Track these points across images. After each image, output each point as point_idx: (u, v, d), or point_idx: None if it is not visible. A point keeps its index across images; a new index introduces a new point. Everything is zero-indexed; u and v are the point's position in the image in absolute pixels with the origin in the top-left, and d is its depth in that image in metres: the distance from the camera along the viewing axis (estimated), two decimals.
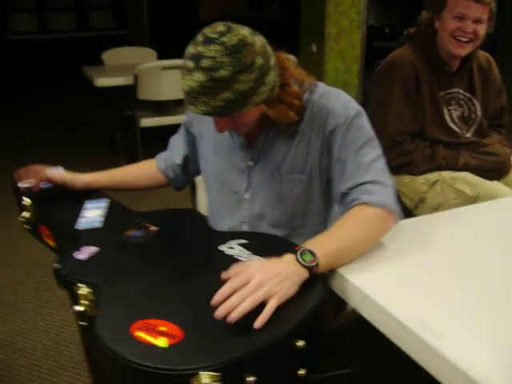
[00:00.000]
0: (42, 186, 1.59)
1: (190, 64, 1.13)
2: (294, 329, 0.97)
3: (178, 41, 6.97)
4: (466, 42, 1.88)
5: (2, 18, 8.02)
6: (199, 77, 1.11)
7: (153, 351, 0.92)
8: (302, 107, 1.30)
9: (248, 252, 1.21)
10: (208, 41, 1.11)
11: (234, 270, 1.04)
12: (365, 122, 1.30)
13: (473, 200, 1.77)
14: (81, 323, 1.16)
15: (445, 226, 1.34)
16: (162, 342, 0.94)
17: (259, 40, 1.17)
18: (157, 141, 4.12)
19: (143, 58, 4.47)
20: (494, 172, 1.96)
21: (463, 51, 1.91)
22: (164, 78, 3.78)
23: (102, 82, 3.77)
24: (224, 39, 1.11)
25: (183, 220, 1.45)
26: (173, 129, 1.64)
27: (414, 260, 1.18)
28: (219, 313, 0.95)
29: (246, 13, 8.03)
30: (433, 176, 1.92)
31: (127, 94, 3.90)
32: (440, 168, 1.93)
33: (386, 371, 1.32)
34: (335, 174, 1.30)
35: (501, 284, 1.10)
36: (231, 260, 1.17)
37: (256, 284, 0.99)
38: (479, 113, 2.03)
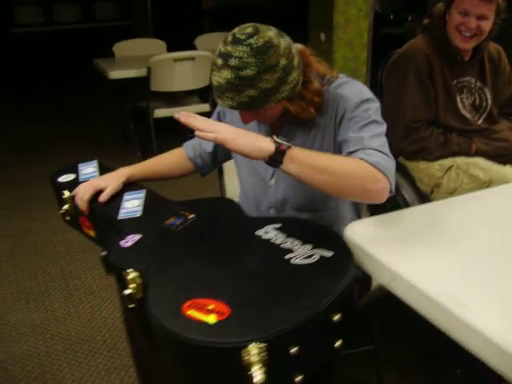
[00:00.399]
0: (81, 179, 1.68)
1: (220, 61, 1.22)
2: (331, 303, 1.06)
3: (182, 30, 6.99)
4: (470, 37, 1.96)
5: (6, 11, 8.05)
6: (227, 74, 1.21)
7: (205, 327, 1.01)
8: (322, 103, 1.37)
9: (284, 235, 1.29)
10: (236, 41, 1.21)
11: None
12: (373, 107, 1.34)
13: (486, 184, 1.86)
14: (130, 305, 1.27)
15: (464, 210, 1.43)
16: (212, 319, 1.02)
17: (284, 41, 1.24)
18: (168, 131, 4.24)
19: (153, 50, 4.54)
20: (505, 157, 2.04)
21: (467, 45, 1.99)
22: (176, 70, 3.86)
23: (116, 74, 3.84)
24: (251, 41, 1.20)
25: (219, 207, 1.55)
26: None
27: (438, 240, 1.27)
28: (176, 114, 1.24)
29: (249, 0, 8.05)
30: (447, 162, 2.01)
31: (139, 85, 3.98)
32: (454, 154, 2.02)
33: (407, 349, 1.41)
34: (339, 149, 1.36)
35: None
36: (268, 244, 1.27)
37: (219, 125, 1.22)
38: (490, 101, 2.11)
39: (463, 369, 1.29)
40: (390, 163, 1.24)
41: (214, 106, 4.12)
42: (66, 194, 1.62)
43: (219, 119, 1.65)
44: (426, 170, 2.02)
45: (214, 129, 1.19)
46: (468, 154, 2.01)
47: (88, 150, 4.47)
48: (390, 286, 1.18)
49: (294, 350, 1.01)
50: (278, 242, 1.28)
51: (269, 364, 0.97)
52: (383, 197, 1.22)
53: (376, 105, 1.37)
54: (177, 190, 1.57)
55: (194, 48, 4.78)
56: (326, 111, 1.39)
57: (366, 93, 1.38)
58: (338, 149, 1.38)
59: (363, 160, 1.21)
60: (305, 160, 1.19)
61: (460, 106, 2.06)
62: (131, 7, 7.93)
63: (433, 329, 1.07)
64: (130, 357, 2.06)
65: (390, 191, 1.22)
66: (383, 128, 1.33)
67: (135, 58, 4.39)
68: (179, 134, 4.66)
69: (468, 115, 2.08)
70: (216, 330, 1.00)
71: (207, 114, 3.88)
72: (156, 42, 4.69)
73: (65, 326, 2.27)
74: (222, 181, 1.86)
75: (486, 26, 1.94)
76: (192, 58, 3.88)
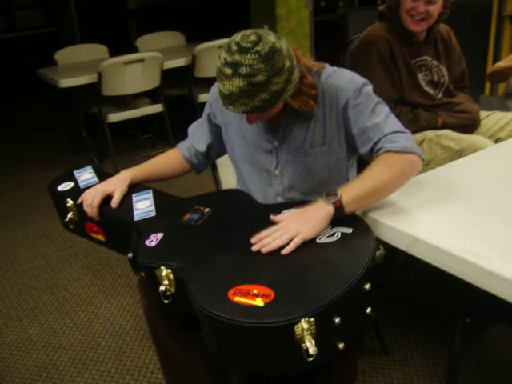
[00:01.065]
0: (82, 186, 1.71)
1: (229, 71, 1.29)
2: (363, 274, 1.16)
3: (110, 32, 6.86)
4: (420, 20, 2.12)
5: None
6: (239, 82, 1.28)
7: (256, 310, 1.08)
8: (318, 94, 1.48)
9: None
10: (244, 50, 1.28)
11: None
12: (371, 89, 1.49)
13: (459, 153, 2.03)
14: (165, 301, 1.32)
15: (454, 176, 1.59)
16: (260, 302, 1.09)
17: (284, 44, 1.33)
18: (120, 135, 4.23)
19: (96, 55, 4.52)
20: (468, 127, 2.23)
21: (419, 27, 2.15)
22: (127, 73, 3.85)
23: (67, 82, 3.79)
24: (258, 48, 1.27)
25: (231, 199, 1.62)
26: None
27: (443, 204, 1.41)
28: (254, 247, 1.27)
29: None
30: (418, 136, 2.16)
31: (89, 91, 3.94)
32: (422, 129, 2.18)
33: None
34: (359, 141, 1.48)
35: None
36: None
37: (283, 227, 1.29)
38: (446, 77, 2.29)
39: (473, 318, 1.44)
40: (409, 138, 1.41)
41: (167, 106, 4.15)
42: (70, 202, 1.65)
43: (210, 120, 1.72)
44: None
45: (288, 237, 1.27)
46: (435, 127, 2.18)
47: (40, 163, 4.41)
48: (409, 249, 1.30)
49: (337, 320, 1.10)
50: None
51: (317, 336, 1.06)
52: (420, 167, 1.41)
53: (371, 86, 1.50)
54: (165, 187, 1.63)
55: (136, 49, 4.76)
56: (322, 102, 1.49)
57: (358, 78, 1.50)
58: (351, 138, 1.50)
59: (392, 152, 1.37)
60: (358, 196, 1.33)
61: (422, 83, 2.22)
62: (55, 13, 7.72)
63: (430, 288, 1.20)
64: (139, 357, 2.11)
65: (422, 159, 1.40)
66: (386, 106, 1.48)
67: (80, 64, 4.35)
68: (131, 136, 4.69)
69: (430, 90, 2.24)
70: (267, 311, 1.07)
71: (161, 114, 3.91)
72: (98, 47, 4.64)
73: (65, 337, 2.27)
74: (216, 175, 1.93)
75: (435, 9, 2.10)
76: (141, 60, 3.88)
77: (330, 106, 1.49)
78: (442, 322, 2.09)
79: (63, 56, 4.45)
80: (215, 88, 1.67)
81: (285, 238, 1.27)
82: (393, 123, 1.44)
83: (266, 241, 1.28)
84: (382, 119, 1.43)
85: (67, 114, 4.66)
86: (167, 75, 4.14)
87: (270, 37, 1.31)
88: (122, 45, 5.51)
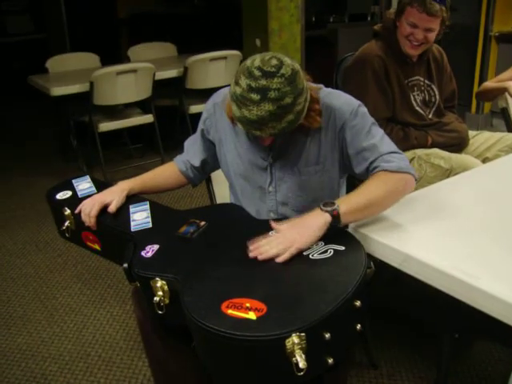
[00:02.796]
0: (80, 195, 1.72)
1: (256, 97, 1.31)
2: (354, 291, 1.18)
3: (100, 41, 6.87)
4: (418, 45, 2.18)
5: None
6: (268, 107, 1.31)
7: (249, 323, 1.10)
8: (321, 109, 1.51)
9: None
10: (269, 75, 1.30)
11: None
12: (366, 110, 1.54)
13: (448, 172, 2.08)
14: (159, 312, 1.34)
15: (444, 194, 1.63)
16: (253, 315, 1.12)
17: (297, 65, 1.38)
18: (110, 144, 4.24)
19: (88, 63, 4.53)
20: (456, 146, 2.29)
21: (415, 52, 2.22)
22: (119, 83, 3.87)
23: (59, 91, 3.80)
24: (283, 71, 1.31)
25: (226, 213, 1.64)
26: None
27: (434, 222, 1.46)
28: (251, 254, 1.32)
29: (160, 7, 7.92)
30: (409, 154, 2.21)
31: (79, 100, 3.95)
32: (413, 147, 2.23)
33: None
34: (355, 161, 1.52)
35: (506, 229, 1.42)
36: None
37: (280, 236, 1.33)
38: (438, 96, 2.34)
39: (461, 333, 1.48)
40: (404, 158, 1.47)
41: (158, 117, 4.17)
42: (68, 210, 1.66)
43: (203, 137, 1.74)
44: None
45: (284, 246, 1.31)
46: (425, 146, 2.23)
47: (29, 170, 4.40)
48: (402, 267, 1.34)
49: (327, 336, 1.12)
50: None
51: (308, 351, 1.08)
52: (413, 186, 1.48)
53: (365, 108, 1.55)
54: (155, 196, 1.66)
55: (127, 59, 4.78)
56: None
57: (354, 99, 1.55)
58: (346, 158, 1.54)
59: (387, 171, 1.43)
60: (354, 209, 1.38)
61: (414, 103, 2.28)
62: (46, 20, 7.71)
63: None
64: (129, 368, 2.12)
65: (416, 179, 1.47)
66: (380, 127, 1.53)
67: (71, 72, 4.36)
68: (121, 146, 4.69)
69: (421, 111, 2.30)
70: (259, 324, 1.09)
71: (151, 125, 3.93)
72: (89, 56, 4.65)
73: (54, 346, 2.27)
74: (210, 189, 1.95)
75: (432, 36, 2.17)
76: (134, 71, 3.90)
77: (326, 126, 1.53)
78: (429, 337, 2.12)
79: (55, 64, 4.45)
80: (209, 105, 1.69)
81: (281, 248, 1.30)
82: (388, 144, 1.50)
83: (263, 248, 1.32)
84: (378, 140, 1.49)
85: (57, 121, 4.65)
86: (158, 86, 4.17)
87: (287, 59, 1.36)
88: (112, 54, 5.54)
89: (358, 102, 1.54)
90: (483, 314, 1.17)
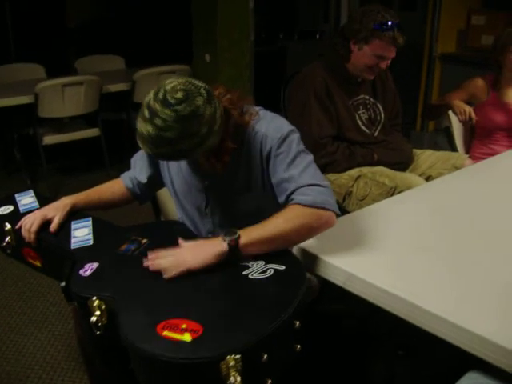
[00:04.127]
0: (22, 210, 1.66)
1: (146, 114, 1.30)
2: (293, 311, 1.18)
3: (49, 52, 6.69)
4: (378, 72, 2.24)
5: None
6: (149, 129, 1.29)
7: (183, 345, 1.08)
8: (229, 161, 1.47)
9: None
10: (165, 103, 1.28)
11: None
12: (295, 138, 1.47)
13: (393, 190, 2.11)
14: (97, 332, 1.29)
15: (388, 213, 1.66)
16: (187, 337, 1.10)
17: (210, 109, 1.32)
18: (55, 157, 4.13)
19: (33, 74, 4.43)
20: (401, 164, 2.34)
21: (373, 77, 2.28)
22: (65, 95, 3.79)
23: (2, 102, 3.69)
24: (179, 108, 1.27)
25: (169, 231, 1.62)
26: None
27: (378, 240, 1.48)
28: (145, 263, 1.36)
29: (109, 13, 7.77)
30: (354, 172, 2.25)
31: (23, 112, 3.85)
32: (359, 165, 2.27)
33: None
34: (277, 191, 1.48)
35: (448, 248, 1.46)
36: (224, 262, 1.33)
37: (176, 254, 1.35)
38: (383, 114, 2.40)
39: (405, 351, 1.50)
40: (325, 193, 1.40)
41: (104, 130, 4.11)
42: (8, 226, 1.60)
43: (149, 154, 1.69)
44: (336, 181, 2.24)
45: (175, 263, 1.32)
46: (371, 163, 2.27)
47: None
48: (345, 285, 1.35)
49: (264, 357, 1.11)
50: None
51: (244, 372, 1.07)
52: (332, 223, 1.40)
53: (297, 135, 1.49)
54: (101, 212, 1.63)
55: (74, 71, 4.70)
56: (249, 147, 1.49)
57: (286, 126, 1.49)
58: (270, 187, 1.50)
59: (300, 205, 1.37)
60: (256, 240, 1.35)
61: (359, 122, 2.32)
62: None
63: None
64: None
65: (337, 215, 1.40)
66: (310, 156, 1.47)
67: (15, 83, 4.24)
68: (66, 159, 4.57)
69: (366, 130, 2.34)
70: (194, 346, 1.08)
71: (97, 138, 3.85)
72: (33, 67, 4.54)
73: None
74: (156, 206, 1.93)
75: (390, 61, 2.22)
76: (81, 83, 3.83)
77: (255, 153, 1.49)
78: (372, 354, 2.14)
79: None
80: None
81: (171, 265, 1.32)
82: (309, 176, 1.42)
83: (156, 261, 1.34)
84: (299, 171, 1.42)
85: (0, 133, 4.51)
86: (105, 99, 4.10)
87: (199, 99, 1.30)
88: (59, 65, 5.41)
89: (290, 128, 1.48)
90: (426, 332, 1.19)
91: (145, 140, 1.32)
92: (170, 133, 1.28)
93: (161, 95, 1.29)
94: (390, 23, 2.09)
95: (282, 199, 1.46)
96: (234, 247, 1.32)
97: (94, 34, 7.31)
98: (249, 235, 1.34)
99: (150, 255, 1.35)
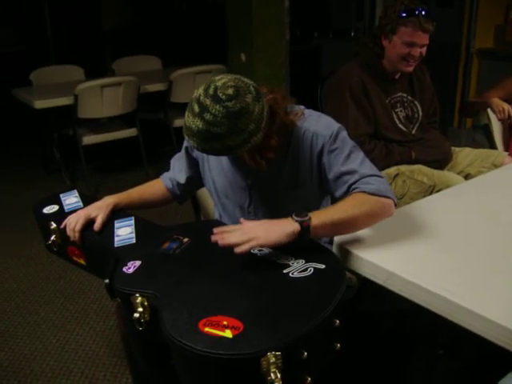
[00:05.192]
0: (66, 209, 1.71)
1: (196, 109, 1.32)
2: (333, 310, 1.18)
3: (82, 53, 6.82)
4: (413, 62, 2.21)
5: None
6: (199, 124, 1.31)
7: (225, 341, 1.10)
8: (273, 159, 1.48)
9: (277, 252, 1.38)
10: (216, 99, 1.30)
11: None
12: (346, 134, 1.52)
13: (431, 188, 2.10)
14: (139, 328, 1.32)
15: (428, 211, 1.65)
16: (228, 334, 1.11)
17: (259, 107, 1.34)
18: (93, 157, 4.22)
19: (72, 76, 4.52)
20: (439, 162, 2.32)
21: (411, 69, 2.24)
22: (104, 96, 3.87)
23: (42, 103, 3.78)
24: (229, 104, 1.29)
25: (210, 230, 1.64)
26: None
27: (418, 239, 1.47)
28: (213, 237, 1.35)
29: (143, 18, 7.86)
30: (392, 170, 2.24)
31: (63, 113, 3.94)
32: (396, 163, 2.26)
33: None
34: (335, 185, 1.50)
35: (488, 247, 1.44)
36: (265, 260, 1.37)
37: (245, 228, 1.35)
38: (420, 112, 2.38)
39: (445, 350, 1.49)
40: (385, 182, 1.45)
41: (142, 130, 4.17)
42: (53, 225, 1.65)
43: (188, 154, 1.73)
44: None
45: (246, 237, 1.31)
46: (409, 161, 2.26)
47: (11, 183, 4.35)
48: (386, 284, 1.35)
49: (304, 355, 1.12)
50: (273, 258, 1.37)
51: (284, 369, 1.08)
52: (392, 212, 1.45)
53: (346, 132, 1.53)
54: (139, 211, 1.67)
55: (112, 72, 4.78)
56: (297, 145, 1.51)
57: (334, 123, 1.53)
58: (326, 182, 1.52)
59: (365, 193, 1.41)
60: (326, 223, 1.36)
61: (397, 120, 2.30)
62: (28, 32, 7.65)
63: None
64: None
65: (395, 204, 1.43)
66: (361, 151, 1.51)
67: (56, 85, 4.34)
68: (105, 159, 4.67)
69: (404, 128, 2.32)
70: (235, 342, 1.09)
71: (135, 138, 3.92)
72: (73, 68, 4.64)
73: (36, 362, 2.24)
74: (196, 205, 1.95)
75: (425, 50, 2.20)
76: (119, 84, 3.90)
77: (304, 150, 1.51)
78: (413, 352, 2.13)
79: (39, 76, 4.44)
80: None
81: (242, 239, 1.31)
82: (368, 167, 1.48)
83: (225, 235, 1.33)
84: (358, 164, 1.47)
85: (40, 134, 4.62)
86: (142, 99, 4.17)
87: (249, 97, 1.32)
88: (96, 66, 5.52)
89: (338, 126, 1.52)
90: (467, 331, 1.18)
91: (193, 134, 1.34)
92: (219, 128, 1.30)
93: (211, 91, 1.31)
94: (413, 9, 2.11)
95: (341, 191, 1.49)
96: (305, 228, 1.33)
97: (129, 36, 7.42)
98: (319, 218, 1.36)
99: (217, 231, 1.36)
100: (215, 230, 1.36)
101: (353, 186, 1.45)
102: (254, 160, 1.46)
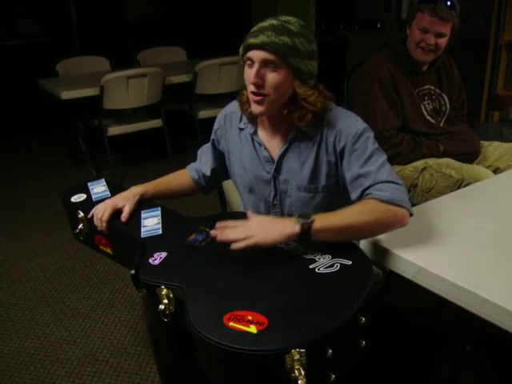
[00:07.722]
0: (94, 198, 1.73)
1: (269, 18, 1.42)
2: (359, 307, 1.16)
3: (107, 44, 6.84)
4: (429, 51, 2.18)
5: None
6: (274, 22, 1.40)
7: (249, 336, 1.08)
8: (317, 116, 1.48)
9: (303, 247, 1.37)
10: (289, 18, 1.42)
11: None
12: (370, 136, 1.47)
13: (459, 182, 2.07)
14: (164, 320, 1.33)
15: (456, 206, 1.62)
16: (253, 329, 1.10)
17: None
18: (118, 148, 4.25)
19: (98, 67, 4.55)
20: (468, 156, 2.28)
21: (427, 58, 2.21)
22: (130, 87, 3.89)
23: (69, 94, 3.82)
24: (298, 20, 1.42)
25: None
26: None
27: (447, 233, 1.45)
28: (212, 232, 1.37)
29: (168, 10, 7.88)
30: (420, 163, 2.21)
31: (89, 104, 3.97)
32: (424, 156, 2.22)
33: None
34: (351, 186, 1.47)
35: None
36: (292, 255, 1.36)
37: (245, 225, 1.35)
38: (448, 105, 2.34)
39: (472, 347, 1.47)
40: (401, 190, 1.39)
41: (166, 121, 4.19)
42: (81, 213, 1.67)
43: (214, 146, 1.74)
44: (401, 173, 2.21)
45: (244, 235, 1.31)
46: (437, 155, 2.23)
47: (37, 172, 4.41)
48: (415, 278, 1.33)
49: (329, 352, 1.11)
50: (299, 253, 1.36)
51: (308, 367, 1.07)
52: (405, 222, 1.37)
53: (371, 133, 1.49)
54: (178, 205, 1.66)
55: (137, 63, 4.80)
56: (322, 138, 1.50)
57: (360, 122, 1.49)
58: (343, 181, 1.50)
59: (377, 200, 1.36)
60: (329, 228, 1.33)
61: (425, 112, 2.27)
62: (53, 23, 7.72)
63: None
64: (136, 374, 2.12)
65: (410, 214, 1.38)
66: (384, 155, 1.46)
67: (82, 76, 4.38)
68: (130, 150, 4.70)
69: (432, 120, 2.29)
70: (260, 338, 1.08)
71: (160, 129, 3.93)
72: (99, 60, 4.67)
73: (62, 350, 2.27)
74: (221, 196, 1.96)
75: (443, 42, 2.16)
76: (145, 75, 3.92)
77: (328, 146, 1.49)
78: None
79: (65, 67, 4.49)
80: (220, 116, 1.70)
81: (240, 236, 1.31)
82: (386, 172, 1.42)
83: (226, 230, 1.34)
84: (376, 168, 1.42)
85: (66, 124, 4.67)
86: (167, 90, 4.18)
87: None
88: (121, 57, 5.54)
89: (365, 126, 1.48)
90: (496, 327, 1.16)
91: (265, 29, 1.39)
92: (293, 26, 1.39)
93: (275, 20, 1.41)
94: None
95: (355, 195, 1.45)
96: (306, 230, 1.31)
97: (154, 27, 7.44)
98: (322, 221, 1.33)
99: (219, 225, 1.36)
100: (217, 225, 1.37)
101: (366, 192, 1.41)
102: (300, 114, 1.45)
